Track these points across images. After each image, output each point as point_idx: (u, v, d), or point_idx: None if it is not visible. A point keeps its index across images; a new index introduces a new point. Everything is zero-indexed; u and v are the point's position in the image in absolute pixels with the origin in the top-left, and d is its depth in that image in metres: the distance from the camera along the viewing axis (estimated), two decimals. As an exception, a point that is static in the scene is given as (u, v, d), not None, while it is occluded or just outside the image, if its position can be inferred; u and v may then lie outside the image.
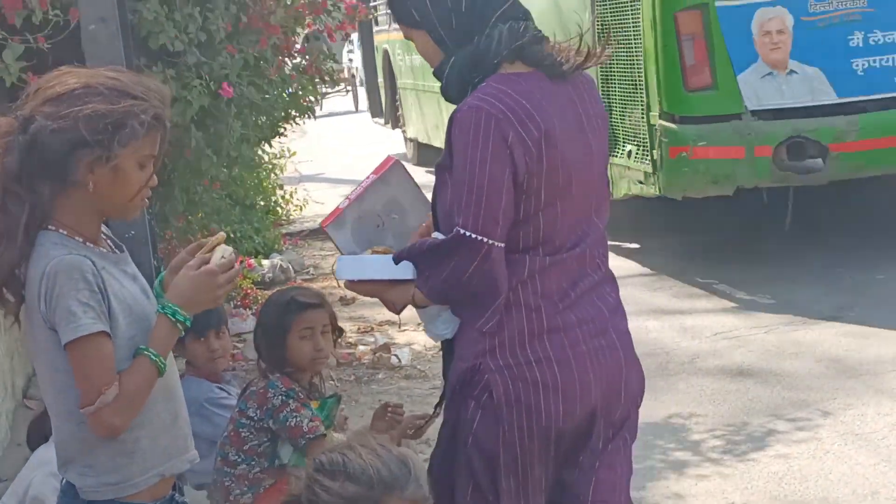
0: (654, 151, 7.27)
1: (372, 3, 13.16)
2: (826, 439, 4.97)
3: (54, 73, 2.55)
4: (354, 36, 18.18)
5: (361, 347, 6.93)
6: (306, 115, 6.83)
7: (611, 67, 7.64)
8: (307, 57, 6.20)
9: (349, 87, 21.53)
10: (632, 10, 7.40)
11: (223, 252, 2.61)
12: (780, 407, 5.40)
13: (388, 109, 14.46)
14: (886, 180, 7.91)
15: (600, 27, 7.52)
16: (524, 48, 2.71)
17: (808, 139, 7.01)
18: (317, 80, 6.58)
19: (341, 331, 3.88)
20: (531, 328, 2.71)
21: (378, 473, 2.13)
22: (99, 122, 2.42)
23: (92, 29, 3.56)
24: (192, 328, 2.63)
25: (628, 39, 7.43)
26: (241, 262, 7.98)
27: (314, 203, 11.22)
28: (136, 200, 2.55)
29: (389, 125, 14.63)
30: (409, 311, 2.89)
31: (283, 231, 10.48)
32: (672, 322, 6.89)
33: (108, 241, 2.64)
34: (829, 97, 7.05)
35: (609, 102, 7.68)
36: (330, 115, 9.08)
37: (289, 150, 11.66)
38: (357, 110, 18.98)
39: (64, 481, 2.60)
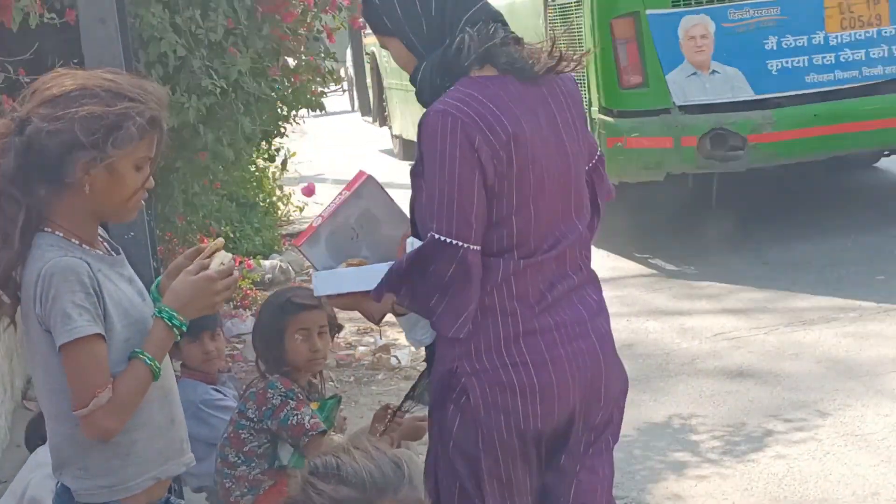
0: None
1: None
2: (826, 440, 4.97)
3: (51, 74, 2.55)
4: None
5: (361, 348, 6.92)
6: (312, 110, 6.82)
7: None
8: (304, 58, 6.20)
9: (345, 88, 21.76)
10: (576, 16, 8.17)
11: (222, 258, 2.62)
12: (779, 408, 5.39)
13: (375, 108, 15.24)
14: (800, 167, 8.79)
15: (551, 32, 7.76)
16: (492, 52, 2.70)
17: (729, 131, 7.79)
18: (318, 79, 6.58)
19: (340, 327, 3.89)
20: (507, 332, 2.71)
21: (371, 476, 2.13)
22: (94, 124, 2.42)
23: (91, 29, 3.55)
24: (187, 330, 2.63)
25: (573, 43, 7.99)
26: (241, 262, 7.98)
27: (314, 204, 11.21)
28: (132, 202, 2.55)
29: (377, 123, 15.38)
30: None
31: (283, 232, 10.48)
32: (672, 323, 6.89)
33: (105, 244, 2.64)
34: (747, 94, 7.84)
35: None
36: (326, 114, 9.13)
37: (288, 151, 11.65)
38: (353, 109, 19.24)
39: (59, 484, 2.60)
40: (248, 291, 7.85)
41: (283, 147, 8.28)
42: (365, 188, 2.93)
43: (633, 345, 6.55)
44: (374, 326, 7.16)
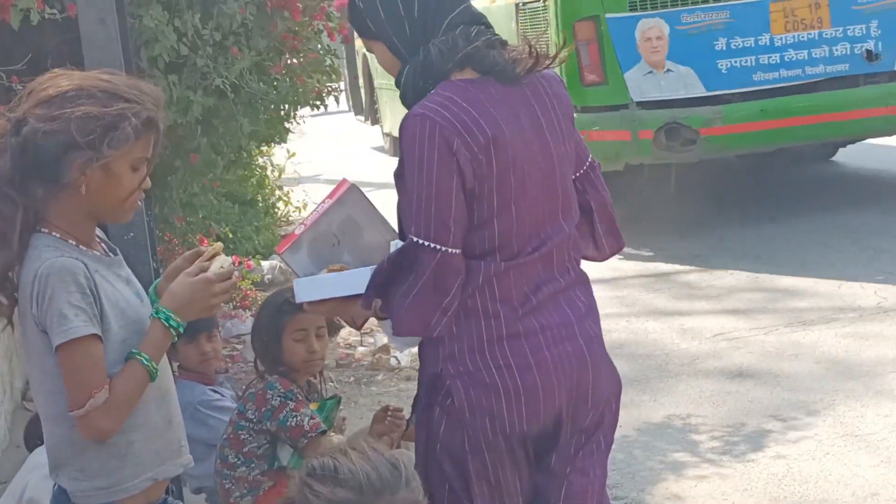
0: None
1: None
2: (826, 440, 4.96)
3: (47, 75, 2.56)
4: None
5: (361, 349, 6.92)
6: (315, 108, 6.82)
7: None
8: (305, 55, 6.20)
9: (342, 87, 22.00)
10: (543, 19, 8.80)
11: (222, 262, 2.62)
12: (779, 408, 5.39)
13: (367, 107, 16.03)
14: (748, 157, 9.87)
15: (523, 35, 8.37)
16: (473, 55, 2.70)
17: (682, 125, 8.43)
18: (320, 76, 6.58)
19: (339, 327, 3.88)
20: (489, 334, 2.70)
21: (367, 478, 2.13)
22: (90, 125, 2.42)
23: (91, 30, 3.55)
24: (184, 331, 2.63)
25: (541, 44, 8.13)
26: (240, 263, 7.98)
27: (314, 204, 11.21)
28: (129, 203, 2.55)
29: (369, 122, 16.02)
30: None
31: (283, 232, 10.48)
32: (672, 323, 6.89)
33: (103, 245, 2.64)
34: (699, 91, 8.49)
35: None
36: (324, 113, 9.20)
37: (288, 151, 11.67)
38: (350, 109, 19.47)
39: (56, 486, 2.60)
40: (248, 292, 7.84)
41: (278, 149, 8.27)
42: (348, 196, 2.93)
43: (633, 345, 6.55)
44: (373, 328, 7.18)
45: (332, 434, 3.67)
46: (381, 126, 15.24)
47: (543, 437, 2.78)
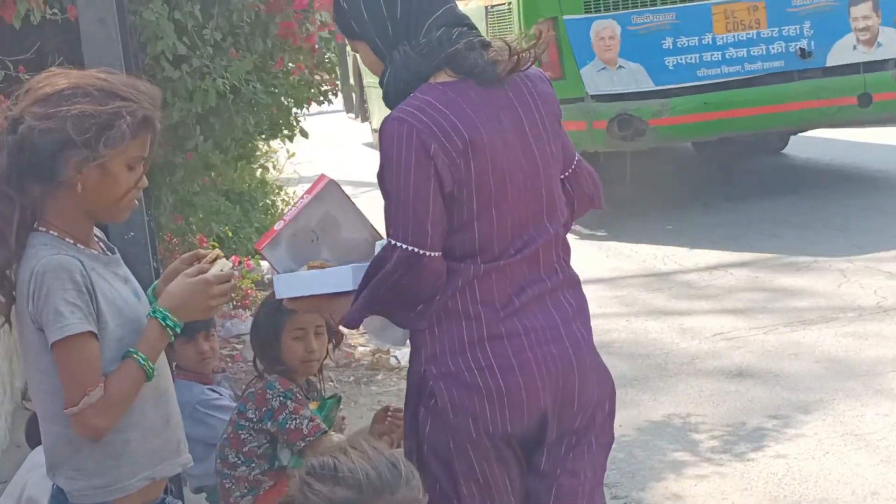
0: None
1: None
2: (825, 440, 4.97)
3: (45, 73, 2.56)
4: None
5: (360, 349, 6.92)
6: (318, 104, 6.81)
7: None
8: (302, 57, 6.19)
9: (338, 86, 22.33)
10: (508, 21, 9.56)
11: (222, 265, 2.62)
12: (779, 407, 5.39)
13: (357, 105, 16.81)
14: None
15: (493, 36, 8.55)
16: (452, 57, 2.71)
17: (633, 116, 9.20)
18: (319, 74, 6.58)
19: (340, 336, 3.87)
20: (470, 336, 2.70)
21: (367, 477, 2.13)
22: (86, 123, 2.42)
23: (91, 30, 3.55)
24: (181, 330, 2.63)
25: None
26: (240, 262, 7.98)
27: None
28: (125, 202, 2.55)
29: (359, 119, 16.74)
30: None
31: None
32: (671, 323, 6.89)
33: (101, 244, 2.64)
34: (648, 85, 9.29)
35: None
36: (318, 113, 9.27)
37: (287, 151, 11.67)
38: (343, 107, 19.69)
39: (54, 486, 2.60)
40: (249, 291, 7.84)
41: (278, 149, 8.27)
42: (326, 192, 2.93)
43: (633, 345, 6.55)
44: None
45: (333, 433, 3.67)
46: (370, 123, 15.73)
47: (529, 439, 2.78)
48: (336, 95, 7.22)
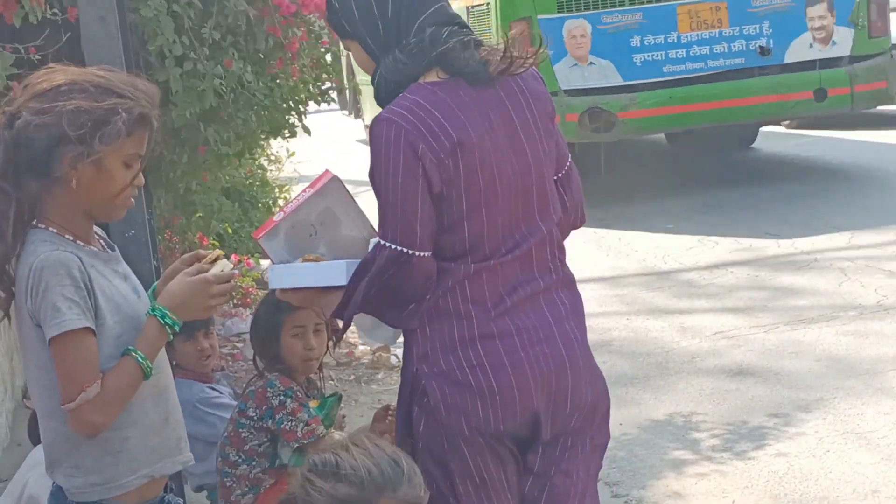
0: None
1: None
2: (826, 438, 4.97)
3: (44, 69, 2.56)
4: None
5: (361, 347, 6.92)
6: (316, 103, 6.81)
7: None
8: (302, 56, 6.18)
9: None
10: (487, 20, 10.08)
11: (223, 266, 2.62)
12: (779, 406, 5.39)
13: (351, 103, 17.53)
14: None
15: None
16: (442, 56, 2.70)
17: (602, 109, 9.83)
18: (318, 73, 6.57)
19: (341, 334, 3.87)
20: (461, 335, 2.70)
21: (369, 474, 2.13)
22: (81, 118, 2.42)
23: (91, 28, 3.55)
24: (180, 329, 2.63)
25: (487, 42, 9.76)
26: (240, 261, 7.98)
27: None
28: (121, 199, 2.54)
29: (353, 115, 17.52)
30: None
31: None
32: (671, 321, 6.89)
33: (101, 241, 2.64)
34: (617, 81, 9.90)
35: None
36: (316, 111, 9.37)
37: (287, 150, 11.67)
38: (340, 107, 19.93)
39: (53, 484, 2.59)
40: (249, 289, 7.84)
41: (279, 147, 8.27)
42: (329, 187, 2.93)
43: (634, 343, 6.55)
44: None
45: (334, 431, 3.67)
46: (363, 119, 16.13)
47: (522, 438, 2.77)
48: (341, 93, 7.22)
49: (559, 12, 9.82)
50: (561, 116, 9.41)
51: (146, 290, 2.71)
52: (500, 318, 2.72)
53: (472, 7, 10.49)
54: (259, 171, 10.56)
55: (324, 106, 7.71)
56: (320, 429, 3.54)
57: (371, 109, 14.67)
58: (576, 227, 2.99)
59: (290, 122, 6.55)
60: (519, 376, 2.70)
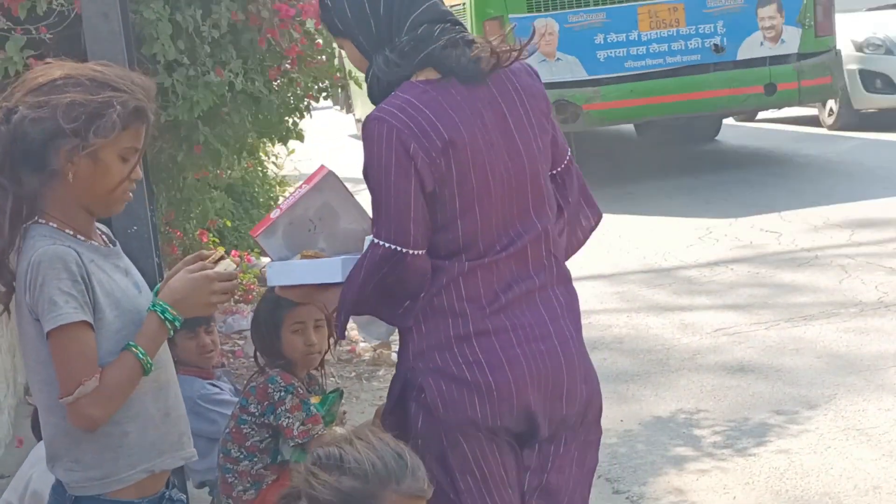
0: None
1: None
2: (827, 434, 4.97)
3: (41, 65, 2.57)
4: None
5: (362, 344, 6.92)
6: (315, 99, 6.81)
7: None
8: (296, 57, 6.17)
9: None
10: (462, 19, 10.07)
11: (226, 265, 2.63)
12: (781, 402, 5.40)
13: (342, 98, 17.81)
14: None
15: None
16: (434, 55, 2.70)
17: (569, 101, 10.45)
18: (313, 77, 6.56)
19: (338, 334, 3.87)
20: (456, 332, 2.71)
21: (373, 467, 2.14)
22: (76, 111, 2.42)
23: (94, 24, 3.55)
24: (182, 324, 2.63)
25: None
26: (240, 257, 7.98)
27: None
28: (118, 193, 2.54)
29: (344, 111, 17.85)
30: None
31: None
32: (672, 318, 6.89)
33: (103, 236, 2.64)
34: (582, 75, 10.60)
35: None
36: (314, 109, 9.50)
37: (287, 148, 11.66)
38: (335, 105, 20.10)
39: (54, 479, 2.60)
40: (251, 286, 7.84)
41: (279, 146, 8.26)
42: (325, 182, 2.94)
43: (634, 340, 6.55)
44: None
45: (337, 428, 3.67)
46: (354, 113, 16.73)
47: (519, 434, 2.77)
48: (344, 89, 7.21)
49: (529, 11, 10.45)
50: None
51: (149, 286, 2.71)
52: (494, 316, 2.72)
53: (450, 7, 11.04)
54: (258, 168, 10.55)
55: (322, 103, 7.69)
56: (317, 428, 3.54)
57: (362, 104, 14.93)
58: (594, 228, 3.00)
59: (290, 122, 6.54)
60: (516, 372, 2.71)
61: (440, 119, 2.66)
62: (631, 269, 8.14)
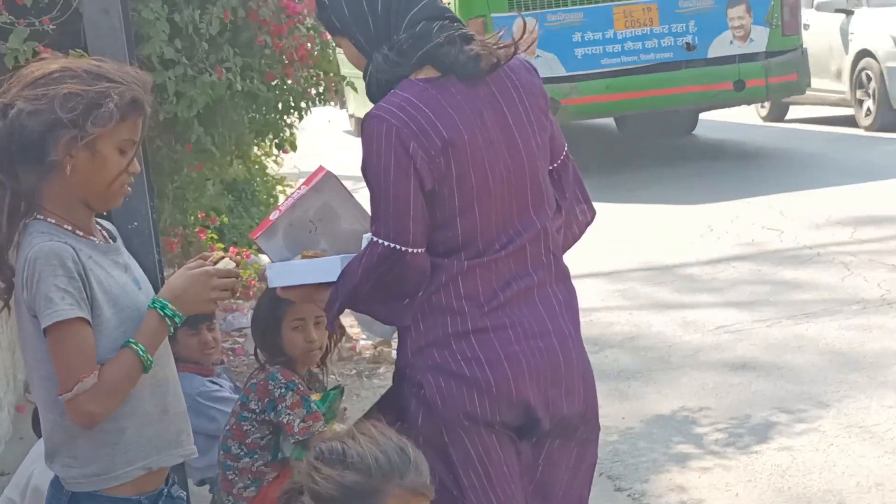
0: None
1: None
2: (829, 432, 4.96)
3: (36, 60, 2.57)
4: None
5: (362, 342, 6.92)
6: (312, 104, 6.80)
7: None
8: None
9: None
10: None
11: (225, 264, 2.62)
12: (783, 400, 5.39)
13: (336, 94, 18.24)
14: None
15: None
16: (432, 53, 2.69)
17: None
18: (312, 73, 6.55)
19: (342, 330, 3.87)
20: (455, 329, 2.70)
21: (376, 461, 2.13)
22: (73, 102, 2.42)
23: (94, 20, 3.54)
24: (185, 321, 2.62)
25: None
26: (238, 253, 7.97)
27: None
28: (116, 186, 2.53)
29: (338, 106, 18.22)
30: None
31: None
32: (674, 316, 6.88)
33: (102, 231, 2.63)
34: (561, 72, 11.01)
35: None
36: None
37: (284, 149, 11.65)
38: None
39: (52, 475, 2.59)
40: (251, 282, 7.83)
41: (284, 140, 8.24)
42: (324, 183, 2.93)
43: (636, 338, 6.55)
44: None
45: (336, 424, 3.67)
46: (347, 108, 17.27)
47: (515, 429, 2.77)
48: (337, 92, 7.19)
49: (510, 11, 10.89)
50: None
51: (150, 282, 2.70)
52: (493, 313, 2.72)
53: None
54: (257, 166, 10.55)
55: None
56: (318, 425, 3.53)
57: (355, 100, 15.14)
58: (588, 224, 2.99)
59: (287, 121, 6.53)
60: (514, 369, 2.71)
61: (440, 118, 2.65)
62: (632, 266, 8.13)
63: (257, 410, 3.58)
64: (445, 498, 2.70)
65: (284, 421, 3.50)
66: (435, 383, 2.71)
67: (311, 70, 6.22)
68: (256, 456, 3.61)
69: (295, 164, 12.61)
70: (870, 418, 5.05)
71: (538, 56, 10.81)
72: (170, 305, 2.53)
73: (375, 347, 6.77)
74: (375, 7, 2.73)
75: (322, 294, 2.85)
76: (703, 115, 14.08)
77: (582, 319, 2.95)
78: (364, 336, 6.98)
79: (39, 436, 3.81)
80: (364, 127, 2.69)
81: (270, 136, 6.66)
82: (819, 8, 13.49)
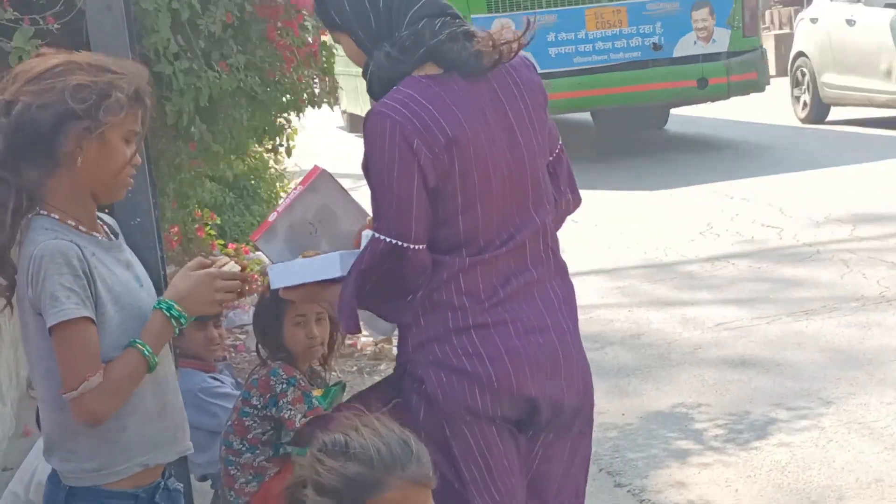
0: None
1: None
2: (829, 428, 4.98)
3: (33, 57, 2.58)
4: None
5: (364, 338, 6.93)
6: (312, 107, 6.79)
7: None
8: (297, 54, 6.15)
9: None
10: None
11: (231, 266, 2.63)
12: (782, 396, 5.40)
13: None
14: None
15: None
16: (435, 50, 2.69)
17: None
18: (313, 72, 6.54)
19: (345, 329, 3.87)
20: (456, 325, 2.71)
21: (378, 453, 2.14)
22: (84, 92, 2.42)
23: (97, 17, 3.55)
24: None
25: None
26: (236, 250, 7.97)
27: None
28: (121, 177, 2.54)
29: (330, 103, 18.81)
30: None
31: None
32: (674, 313, 6.90)
33: (105, 227, 2.64)
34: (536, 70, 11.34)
35: None
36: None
37: (284, 145, 11.65)
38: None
39: (51, 469, 2.60)
40: (255, 276, 7.82)
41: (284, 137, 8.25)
42: (320, 182, 2.93)
43: (636, 335, 6.56)
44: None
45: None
46: (339, 104, 17.18)
47: (516, 423, 2.78)
48: (333, 93, 7.18)
49: (489, 12, 11.66)
50: None
51: (152, 279, 2.71)
52: (493, 309, 2.73)
53: None
54: (257, 163, 10.56)
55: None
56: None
57: (347, 95, 15.64)
58: (570, 213, 2.99)
59: (283, 120, 6.53)
60: (515, 364, 2.72)
61: (443, 115, 2.65)
62: (632, 263, 8.14)
63: (259, 406, 3.59)
64: (447, 492, 2.70)
65: (286, 416, 3.52)
66: (436, 378, 2.72)
67: (312, 70, 6.22)
68: (258, 451, 3.62)
69: (295, 161, 12.60)
70: (869, 415, 5.07)
71: None
72: (176, 306, 2.54)
73: (376, 344, 6.78)
74: (377, 3, 2.73)
75: (324, 293, 2.85)
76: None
77: (582, 316, 2.96)
78: (365, 333, 6.99)
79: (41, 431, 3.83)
80: (367, 123, 2.69)
81: (268, 138, 6.68)
82: (867, 3, 13.00)
